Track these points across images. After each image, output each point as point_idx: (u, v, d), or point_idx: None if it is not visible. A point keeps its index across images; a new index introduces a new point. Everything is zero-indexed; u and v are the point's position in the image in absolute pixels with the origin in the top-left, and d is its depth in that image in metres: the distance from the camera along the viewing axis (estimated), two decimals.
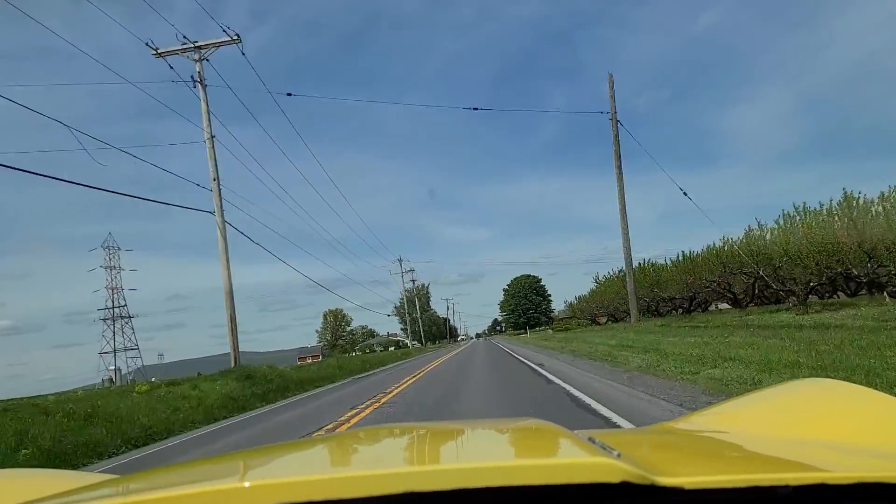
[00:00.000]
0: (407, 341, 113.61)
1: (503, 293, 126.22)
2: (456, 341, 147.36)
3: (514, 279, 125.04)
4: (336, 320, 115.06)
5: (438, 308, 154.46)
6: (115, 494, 0.82)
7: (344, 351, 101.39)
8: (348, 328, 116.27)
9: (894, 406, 1.21)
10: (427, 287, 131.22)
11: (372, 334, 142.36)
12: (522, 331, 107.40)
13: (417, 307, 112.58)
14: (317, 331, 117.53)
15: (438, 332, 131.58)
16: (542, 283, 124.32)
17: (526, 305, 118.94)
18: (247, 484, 0.68)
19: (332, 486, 0.67)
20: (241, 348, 19.42)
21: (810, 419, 1.29)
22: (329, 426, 8.45)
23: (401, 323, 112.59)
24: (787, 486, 0.68)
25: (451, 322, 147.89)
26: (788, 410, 1.41)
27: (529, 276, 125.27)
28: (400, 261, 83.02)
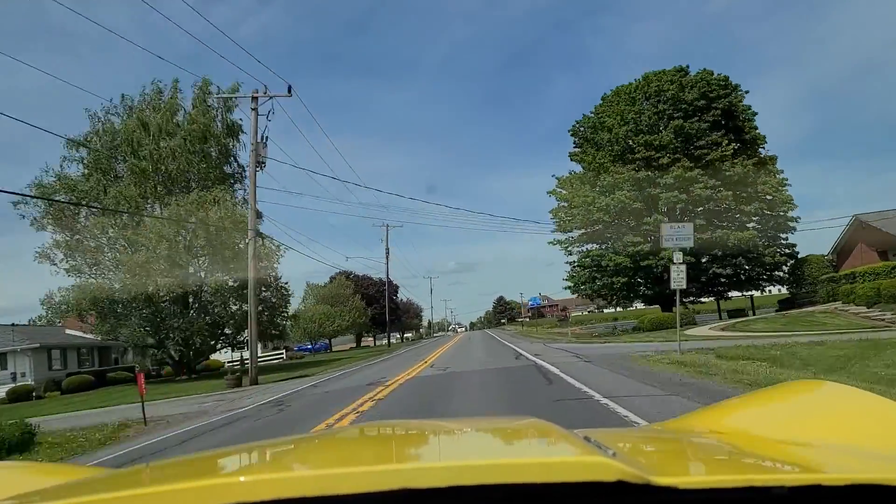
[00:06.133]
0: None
1: (571, 154, 35.23)
2: (410, 340, 63.64)
3: (620, 89, 32.81)
4: None
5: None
6: (112, 489, 0.82)
7: None
8: None
9: (889, 407, 1.22)
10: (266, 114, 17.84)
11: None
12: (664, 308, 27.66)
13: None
14: None
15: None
16: (747, 103, 31.28)
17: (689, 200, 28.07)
18: (242, 479, 0.68)
19: (328, 481, 0.67)
20: None
21: (806, 420, 1.30)
22: None
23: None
24: (782, 487, 0.69)
25: (394, 288, 56.84)
26: (784, 411, 1.42)
27: (684, 71, 31.07)
28: None
